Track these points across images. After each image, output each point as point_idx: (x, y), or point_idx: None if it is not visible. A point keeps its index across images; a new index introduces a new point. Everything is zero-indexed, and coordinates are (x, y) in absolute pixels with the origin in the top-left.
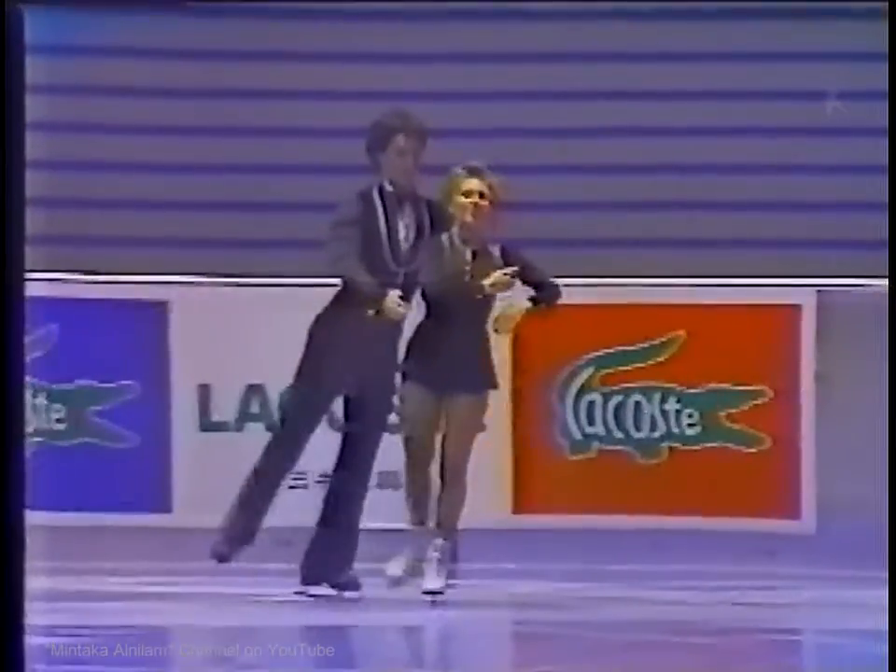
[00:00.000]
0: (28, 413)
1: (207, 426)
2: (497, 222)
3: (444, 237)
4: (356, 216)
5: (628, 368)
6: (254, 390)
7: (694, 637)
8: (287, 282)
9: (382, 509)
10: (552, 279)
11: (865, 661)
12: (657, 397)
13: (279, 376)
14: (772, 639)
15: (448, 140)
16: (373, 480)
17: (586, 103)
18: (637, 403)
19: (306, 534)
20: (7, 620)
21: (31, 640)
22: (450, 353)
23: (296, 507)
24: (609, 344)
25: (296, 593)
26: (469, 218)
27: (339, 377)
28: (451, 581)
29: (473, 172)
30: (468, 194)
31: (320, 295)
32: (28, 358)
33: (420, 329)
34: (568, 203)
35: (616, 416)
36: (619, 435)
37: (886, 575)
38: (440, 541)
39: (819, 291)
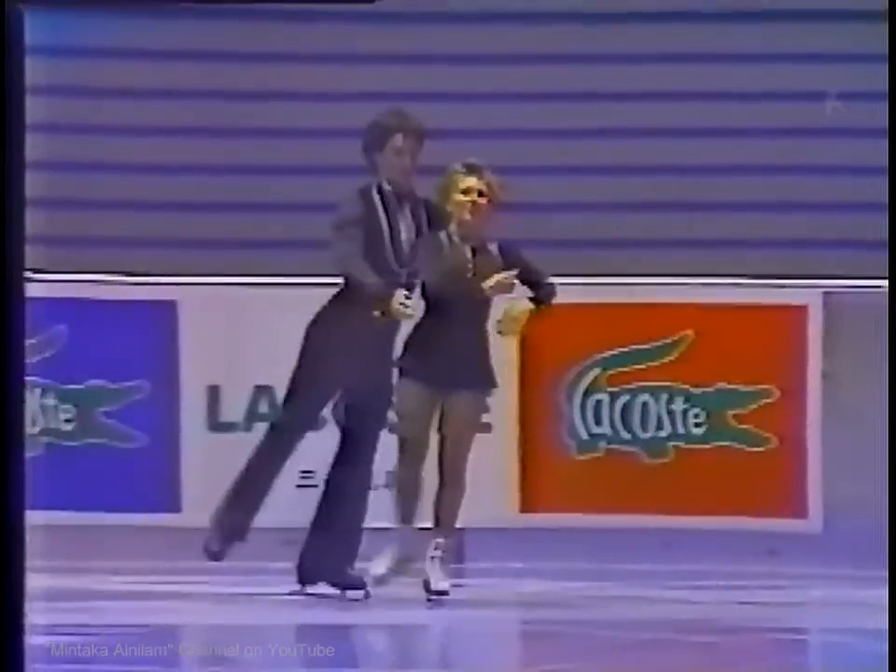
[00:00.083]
0: (37, 414)
1: (216, 426)
2: (494, 221)
3: (443, 235)
4: (359, 215)
5: (635, 368)
6: (263, 391)
7: (701, 636)
8: (297, 282)
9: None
10: (548, 278)
11: (872, 660)
12: (664, 397)
13: (288, 377)
14: (779, 638)
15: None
16: (383, 479)
17: (595, 104)
18: (644, 403)
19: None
20: (7, 620)
21: (40, 640)
22: (450, 350)
23: (307, 506)
24: (616, 345)
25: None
26: (467, 216)
27: (337, 377)
28: (454, 581)
29: (472, 170)
30: (466, 192)
31: (329, 295)
32: (37, 359)
33: (419, 326)
34: (576, 203)
35: (623, 416)
36: (626, 435)
37: (886, 574)
38: (441, 540)
39: (825, 292)
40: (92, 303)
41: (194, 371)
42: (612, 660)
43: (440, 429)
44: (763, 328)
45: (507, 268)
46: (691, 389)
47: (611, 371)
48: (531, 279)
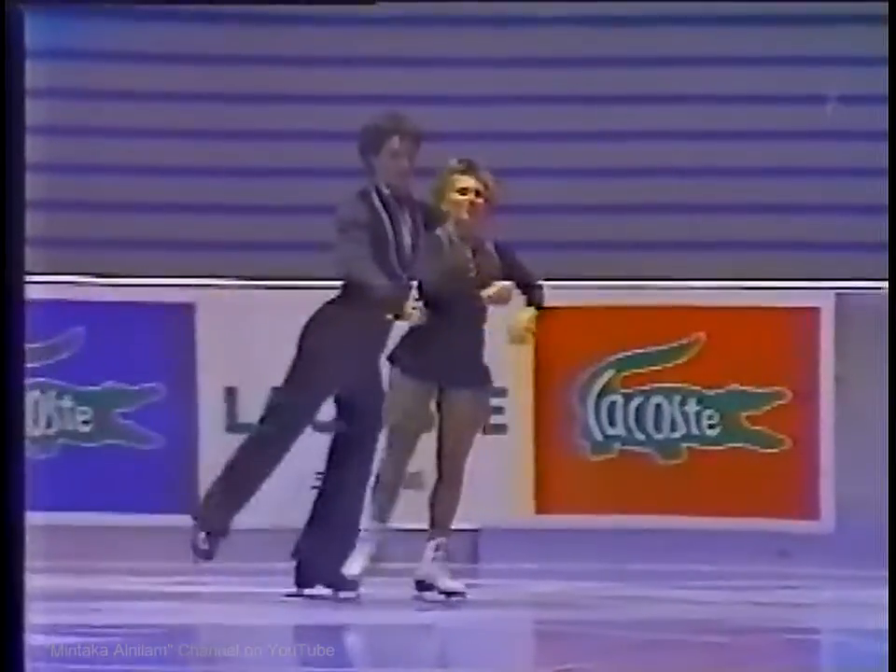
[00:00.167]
0: (53, 415)
1: (234, 427)
2: (491, 220)
3: (443, 235)
4: (364, 218)
5: (649, 370)
6: None
7: (714, 637)
8: (314, 284)
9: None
10: (538, 280)
11: (883, 661)
12: (678, 398)
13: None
14: (791, 639)
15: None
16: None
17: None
18: (658, 405)
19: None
20: (7, 619)
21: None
22: (450, 349)
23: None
24: (629, 347)
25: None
26: (465, 216)
27: (335, 378)
28: (470, 581)
29: (468, 169)
30: (464, 191)
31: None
32: (54, 361)
33: (417, 324)
34: (590, 206)
35: (637, 417)
36: (640, 436)
37: (886, 574)
38: (443, 540)
39: (837, 294)
40: (110, 306)
41: (212, 373)
42: (626, 659)
43: (439, 428)
44: (776, 330)
45: (504, 267)
46: (704, 391)
47: (625, 373)
48: (524, 281)
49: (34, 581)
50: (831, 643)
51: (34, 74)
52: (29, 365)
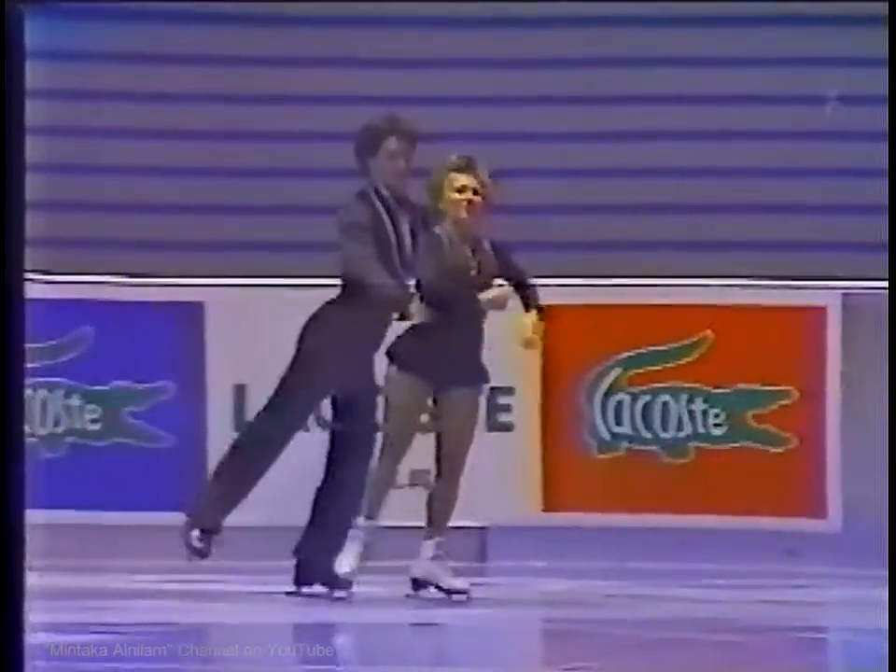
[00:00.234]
0: (61, 414)
1: (243, 426)
2: (488, 218)
3: (442, 234)
4: (367, 219)
5: (656, 368)
6: None
7: (722, 635)
8: (323, 283)
9: (406, 506)
10: (530, 279)
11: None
12: (684, 397)
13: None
14: (798, 637)
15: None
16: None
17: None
18: (665, 403)
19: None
20: (7, 619)
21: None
22: (450, 347)
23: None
24: (636, 345)
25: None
26: (463, 215)
27: (333, 378)
28: (477, 580)
29: (467, 166)
30: (461, 190)
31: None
32: (63, 360)
33: (417, 323)
34: (597, 206)
35: (644, 416)
36: (647, 435)
37: (886, 574)
38: (442, 539)
39: (844, 293)
40: (119, 305)
41: (220, 372)
42: (633, 658)
43: (439, 427)
44: (783, 329)
45: (500, 265)
46: (711, 390)
47: (632, 372)
48: (518, 279)
49: (45, 580)
50: (837, 642)
51: (34, 75)
52: (38, 364)
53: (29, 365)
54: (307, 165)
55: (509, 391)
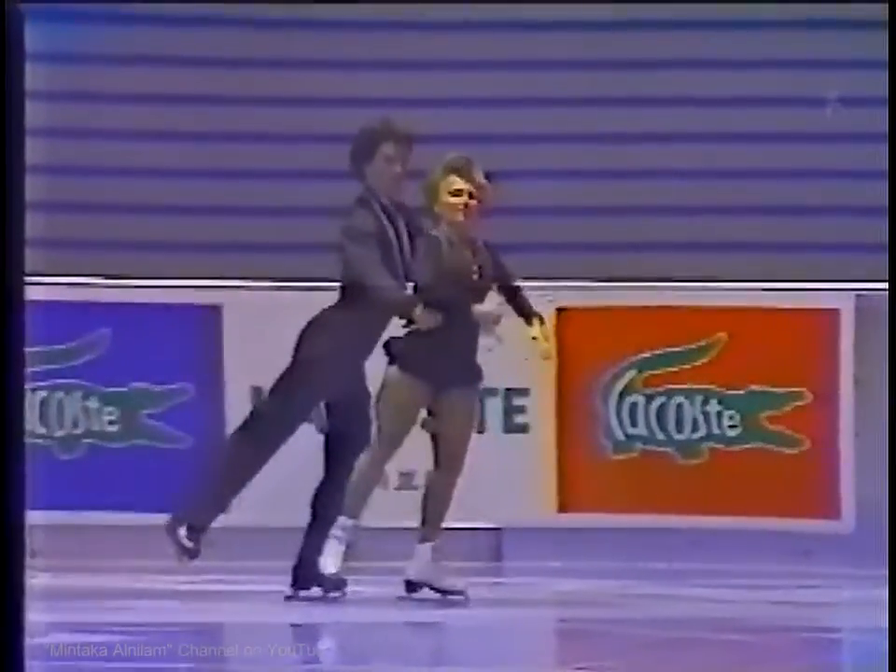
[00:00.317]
0: (79, 416)
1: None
2: (483, 220)
3: (441, 237)
4: (370, 224)
5: (671, 370)
6: None
7: (735, 635)
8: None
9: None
10: (516, 282)
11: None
12: (699, 398)
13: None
14: (811, 638)
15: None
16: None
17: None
18: (679, 405)
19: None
20: (7, 619)
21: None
22: (450, 349)
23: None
24: (651, 347)
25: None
26: (460, 218)
27: (329, 383)
28: (494, 580)
29: (464, 168)
30: (458, 194)
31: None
32: (80, 362)
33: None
34: (611, 208)
35: (658, 418)
36: (661, 436)
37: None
38: (438, 542)
39: (857, 295)
40: (137, 307)
41: (238, 373)
42: (647, 658)
43: (437, 428)
44: (796, 331)
45: (495, 267)
46: (725, 391)
47: (647, 374)
48: (507, 283)
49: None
50: (850, 642)
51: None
52: (56, 366)
53: (47, 367)
54: (320, 168)
55: (524, 393)
